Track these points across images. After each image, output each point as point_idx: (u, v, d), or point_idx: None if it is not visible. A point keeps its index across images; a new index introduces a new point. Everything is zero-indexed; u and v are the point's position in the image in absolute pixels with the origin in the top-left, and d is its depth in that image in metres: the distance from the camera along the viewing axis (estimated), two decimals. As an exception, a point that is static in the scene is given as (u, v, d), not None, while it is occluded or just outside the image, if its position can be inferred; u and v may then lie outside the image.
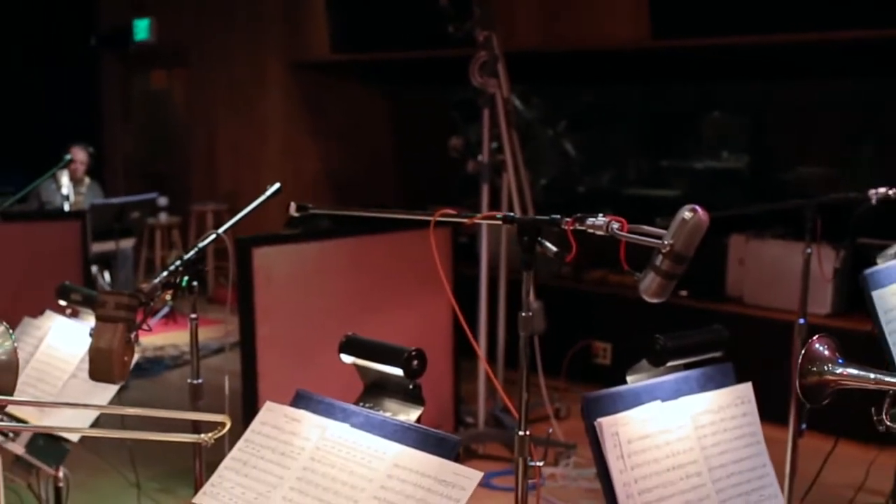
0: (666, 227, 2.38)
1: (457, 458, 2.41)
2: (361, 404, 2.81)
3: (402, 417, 2.67)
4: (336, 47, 10.36)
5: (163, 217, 11.22)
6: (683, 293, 7.25)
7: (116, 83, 13.60)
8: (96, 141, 11.53)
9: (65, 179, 9.18)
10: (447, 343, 5.87)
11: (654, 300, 2.42)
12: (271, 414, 2.77)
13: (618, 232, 2.41)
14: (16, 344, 2.80)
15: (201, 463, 3.23)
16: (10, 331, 2.80)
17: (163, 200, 11.00)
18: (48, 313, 4.22)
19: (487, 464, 5.87)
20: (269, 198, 3.49)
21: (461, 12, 6.26)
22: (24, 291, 5.21)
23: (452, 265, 5.83)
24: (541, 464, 2.55)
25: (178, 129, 12.89)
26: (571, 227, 2.50)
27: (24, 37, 12.67)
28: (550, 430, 6.21)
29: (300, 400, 2.76)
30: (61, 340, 4.05)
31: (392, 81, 11.54)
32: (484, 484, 2.38)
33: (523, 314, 2.60)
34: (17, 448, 3.90)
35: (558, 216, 2.54)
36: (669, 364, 2.71)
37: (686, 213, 2.35)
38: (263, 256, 5.02)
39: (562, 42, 8.50)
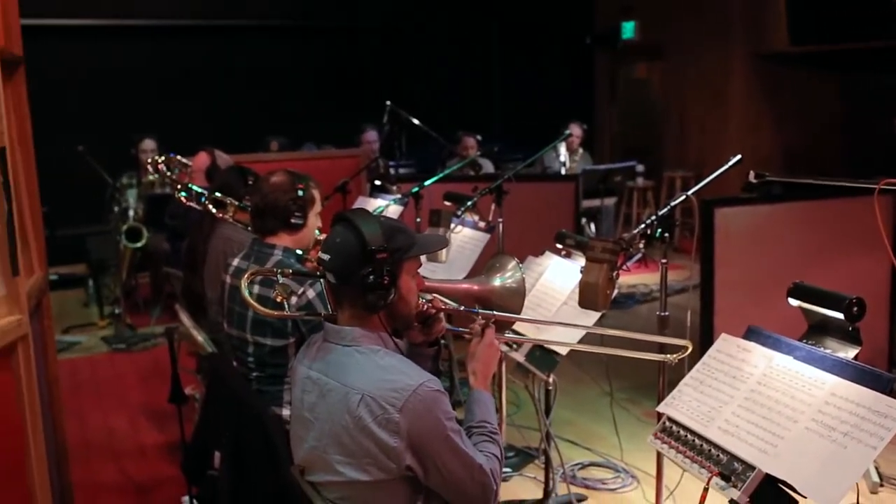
0: None
1: (890, 394, 2.26)
2: (805, 341, 2.70)
3: (840, 354, 2.54)
4: (795, 40, 10.02)
5: (639, 181, 11.27)
6: None
7: (605, 73, 13.81)
8: (588, 119, 11.78)
9: (562, 149, 9.47)
10: (883, 295, 5.48)
11: None
12: (726, 344, 2.73)
13: None
14: (523, 274, 2.92)
15: (664, 380, 3.23)
16: (520, 264, 2.92)
17: (640, 167, 11.05)
18: (547, 253, 4.37)
19: (915, 405, 5.46)
20: (730, 167, 3.41)
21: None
22: (528, 236, 5.40)
23: (893, 228, 5.42)
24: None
25: (654, 110, 12.90)
26: None
27: (534, 38, 13.14)
28: None
29: (751, 334, 2.70)
30: (556, 275, 4.18)
31: (842, 68, 10.93)
32: (913, 421, 2.21)
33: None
34: (519, 357, 4.07)
35: None
36: None
37: None
38: (724, 215, 4.93)
39: None
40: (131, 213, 8.16)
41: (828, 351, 2.57)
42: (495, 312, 2.75)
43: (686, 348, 2.98)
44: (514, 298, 2.85)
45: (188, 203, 4.78)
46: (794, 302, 2.89)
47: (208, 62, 11.54)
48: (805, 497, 2.24)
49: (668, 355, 3.06)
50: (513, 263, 2.88)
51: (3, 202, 2.78)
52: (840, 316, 2.68)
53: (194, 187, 4.77)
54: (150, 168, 7.15)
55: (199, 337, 4.03)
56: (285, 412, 3.33)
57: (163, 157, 5.84)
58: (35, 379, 3.02)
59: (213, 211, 4.47)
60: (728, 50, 11.25)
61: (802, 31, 9.96)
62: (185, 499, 4.25)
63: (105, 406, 6.08)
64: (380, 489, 2.29)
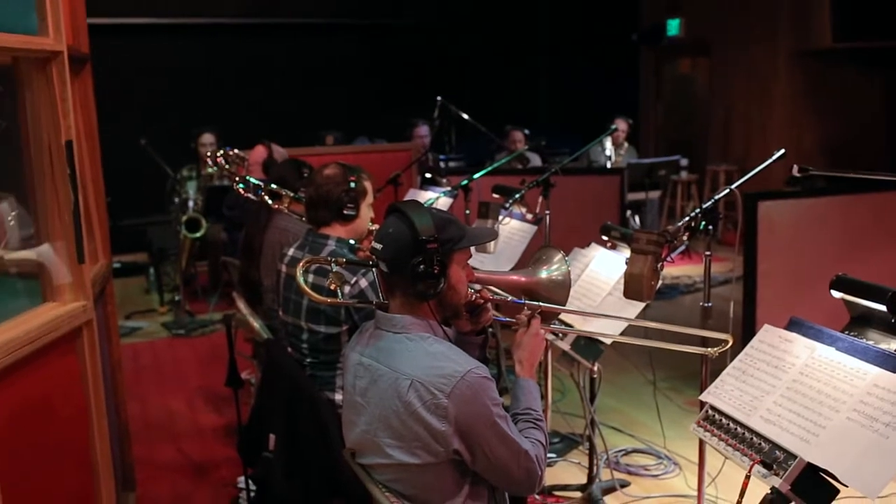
0: None
1: (932, 385, 2.22)
2: (847, 332, 2.66)
3: (883, 346, 2.50)
4: (837, 37, 9.89)
5: (683, 174, 11.19)
6: None
7: (650, 70, 13.72)
8: (634, 114, 11.70)
9: (608, 144, 9.41)
10: (925, 289, 5.39)
11: None
12: (768, 334, 2.70)
13: None
14: (569, 267, 2.91)
15: (707, 370, 3.20)
16: (566, 257, 2.91)
17: (684, 161, 10.96)
18: (593, 245, 4.35)
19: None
20: (774, 161, 3.37)
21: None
22: (574, 228, 5.38)
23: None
24: None
25: (698, 105, 12.80)
26: None
27: (580, 35, 13.09)
28: None
29: (793, 325, 2.67)
30: (602, 266, 4.16)
31: (885, 64, 10.77)
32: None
33: None
34: (564, 345, 4.06)
35: None
36: None
37: None
38: (767, 208, 4.88)
39: None
40: (191, 204, 8.24)
41: (870, 342, 2.53)
42: (541, 304, 2.75)
43: (726, 342, 2.96)
44: (560, 290, 2.84)
45: (245, 195, 4.81)
46: (836, 294, 2.85)
47: (265, 59, 11.64)
48: (846, 486, 2.21)
49: (709, 349, 3.03)
50: (559, 256, 2.87)
51: (69, 193, 2.82)
52: (883, 308, 2.63)
53: (251, 179, 4.80)
54: (209, 161, 7.17)
55: (256, 324, 4.06)
56: (338, 397, 3.35)
57: (221, 151, 5.87)
58: (99, 362, 3.06)
59: (269, 202, 4.51)
60: (772, 47, 11.12)
61: (846, 28, 9.84)
62: (241, 479, 4.29)
63: (165, 389, 6.15)
64: (428, 472, 2.30)
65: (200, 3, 11.40)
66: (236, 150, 5.89)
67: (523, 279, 2.86)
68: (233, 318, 3.91)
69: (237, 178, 4.93)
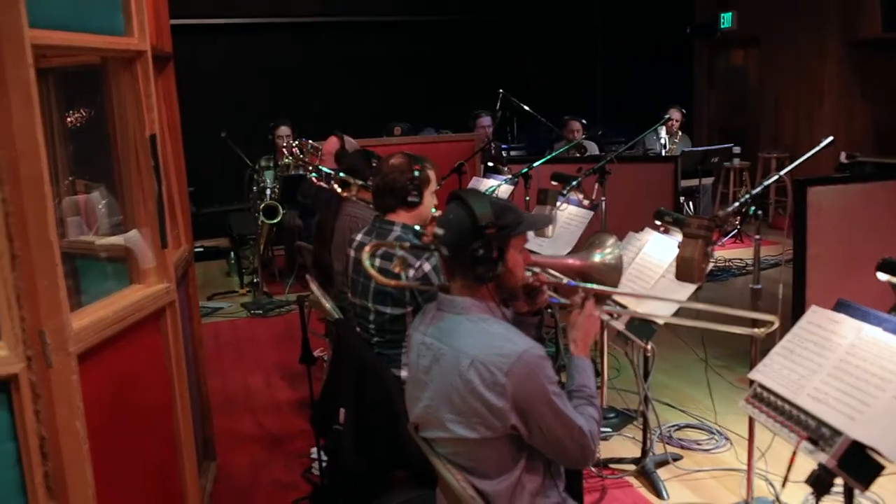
0: None
1: (977, 366, 2.15)
2: (893, 314, 2.59)
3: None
4: (887, 27, 9.61)
5: (736, 162, 10.99)
6: None
7: (704, 61, 13.53)
8: (687, 104, 11.53)
9: (663, 132, 9.26)
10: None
11: None
12: (816, 315, 2.65)
13: None
14: (622, 251, 2.88)
15: (756, 349, 3.16)
16: (619, 241, 2.88)
17: (736, 149, 10.75)
18: (647, 230, 4.30)
19: None
20: (822, 148, 3.30)
21: None
22: (629, 213, 5.31)
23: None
24: None
25: (750, 95, 12.60)
26: None
27: (636, 29, 12.96)
28: None
29: (840, 306, 2.61)
30: (655, 250, 4.11)
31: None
32: None
33: None
34: (619, 325, 4.02)
35: None
36: None
37: None
38: (816, 193, 4.77)
39: None
40: (268, 192, 8.33)
41: (916, 323, 2.46)
42: (594, 286, 2.72)
43: (773, 323, 2.90)
44: (613, 273, 2.81)
45: (319, 183, 4.83)
46: (882, 276, 2.79)
47: (337, 56, 11.71)
48: (892, 462, 2.16)
49: (757, 330, 2.98)
50: (612, 241, 2.84)
51: (153, 183, 2.87)
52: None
53: (324, 169, 4.82)
54: (285, 151, 7.27)
55: (327, 304, 4.08)
56: (403, 373, 3.35)
57: (297, 142, 5.92)
58: (181, 340, 3.11)
59: (339, 190, 4.53)
60: (822, 37, 10.88)
61: (894, 17, 9.56)
62: (314, 450, 4.34)
63: (244, 365, 6.23)
64: (486, 446, 2.29)
65: (275, 4, 11.50)
66: (311, 141, 5.93)
67: (577, 263, 2.84)
68: (306, 299, 3.94)
69: (311, 168, 4.96)
